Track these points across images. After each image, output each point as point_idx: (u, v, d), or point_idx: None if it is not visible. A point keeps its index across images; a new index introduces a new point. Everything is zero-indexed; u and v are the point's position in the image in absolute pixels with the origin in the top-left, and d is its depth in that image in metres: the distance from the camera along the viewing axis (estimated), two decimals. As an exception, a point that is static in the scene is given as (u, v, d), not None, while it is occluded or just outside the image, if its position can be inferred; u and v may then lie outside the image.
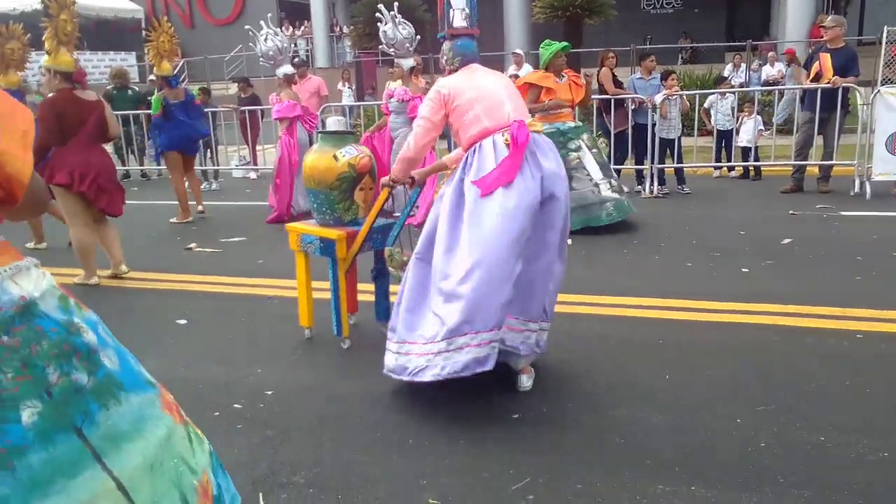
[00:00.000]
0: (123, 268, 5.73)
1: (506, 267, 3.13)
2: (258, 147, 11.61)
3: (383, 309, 4.23)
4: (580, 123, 7.31)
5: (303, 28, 25.33)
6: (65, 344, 1.77)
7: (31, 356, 1.70)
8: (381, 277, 4.18)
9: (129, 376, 1.93)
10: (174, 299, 5.20)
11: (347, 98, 14.66)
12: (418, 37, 7.51)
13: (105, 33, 24.64)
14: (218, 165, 11.40)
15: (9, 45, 6.60)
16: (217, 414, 3.27)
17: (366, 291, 4.43)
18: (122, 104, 10.35)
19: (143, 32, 7.93)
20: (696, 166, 9.71)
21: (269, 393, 3.51)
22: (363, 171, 3.91)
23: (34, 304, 1.77)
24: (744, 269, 5.30)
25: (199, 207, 8.36)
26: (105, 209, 5.59)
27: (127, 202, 5.86)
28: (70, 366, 1.74)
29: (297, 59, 10.83)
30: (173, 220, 8.13)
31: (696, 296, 4.67)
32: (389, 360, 3.40)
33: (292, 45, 9.69)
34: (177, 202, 8.11)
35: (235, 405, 3.38)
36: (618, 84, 8.83)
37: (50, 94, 5.53)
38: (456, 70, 3.51)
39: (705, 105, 9.68)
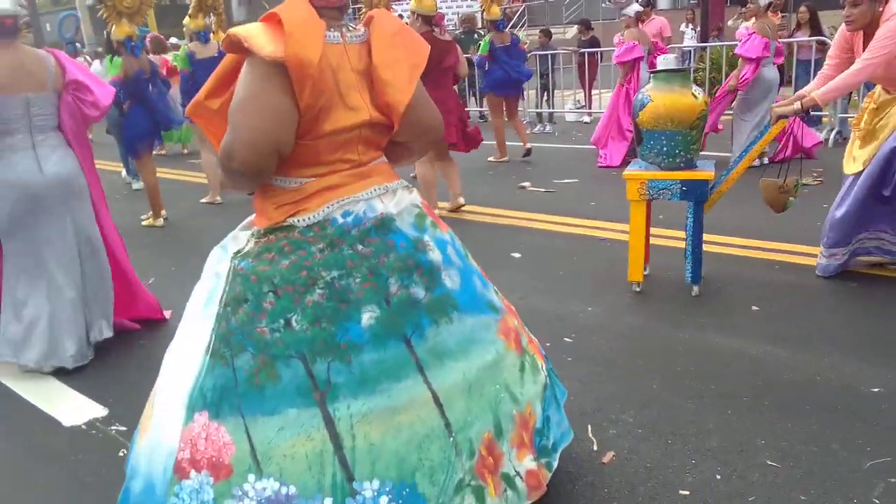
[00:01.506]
0: (461, 199, 6.11)
1: None
2: (594, 91, 11.58)
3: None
4: None
5: (646, -32, 24.48)
6: (409, 259, 1.94)
7: (378, 266, 1.90)
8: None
9: (468, 298, 2.05)
10: (509, 234, 5.46)
11: (690, 40, 13.85)
12: (778, -30, 6.82)
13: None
14: (553, 108, 11.60)
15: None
16: (549, 344, 3.38)
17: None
18: (469, 47, 10.90)
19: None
20: None
21: (599, 330, 3.55)
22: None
23: (391, 220, 1.97)
24: None
25: (527, 146, 8.48)
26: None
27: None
28: (410, 280, 1.91)
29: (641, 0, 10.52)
30: (490, 158, 8.52)
31: None
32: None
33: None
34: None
35: (566, 338, 3.47)
36: None
37: None
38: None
39: None
